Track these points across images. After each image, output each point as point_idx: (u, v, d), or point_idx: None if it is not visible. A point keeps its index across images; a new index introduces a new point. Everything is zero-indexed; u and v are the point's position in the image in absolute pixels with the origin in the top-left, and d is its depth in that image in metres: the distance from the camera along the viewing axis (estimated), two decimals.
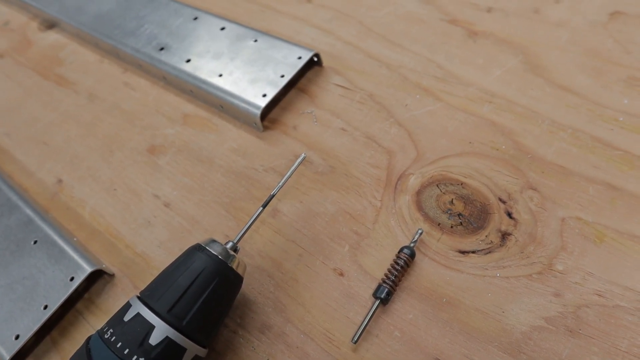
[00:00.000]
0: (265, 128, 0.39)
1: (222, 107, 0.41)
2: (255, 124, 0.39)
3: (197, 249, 0.27)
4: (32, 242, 0.35)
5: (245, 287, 0.31)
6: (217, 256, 0.27)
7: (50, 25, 0.55)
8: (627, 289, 0.27)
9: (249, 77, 0.40)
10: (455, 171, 0.33)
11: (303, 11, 0.47)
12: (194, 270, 0.26)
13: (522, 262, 0.29)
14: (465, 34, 0.41)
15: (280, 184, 0.31)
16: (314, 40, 0.44)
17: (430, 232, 0.31)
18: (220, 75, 0.41)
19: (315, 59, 0.41)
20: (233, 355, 0.29)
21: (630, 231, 0.29)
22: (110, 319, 0.26)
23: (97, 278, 0.34)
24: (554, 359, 0.26)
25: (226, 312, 0.28)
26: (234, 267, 0.27)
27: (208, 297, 0.26)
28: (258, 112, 0.37)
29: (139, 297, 0.26)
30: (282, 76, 0.39)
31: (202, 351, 0.26)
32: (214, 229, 0.35)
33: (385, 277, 0.29)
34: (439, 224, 0.31)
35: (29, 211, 0.37)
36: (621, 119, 0.33)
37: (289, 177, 0.31)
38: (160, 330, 0.24)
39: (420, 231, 0.30)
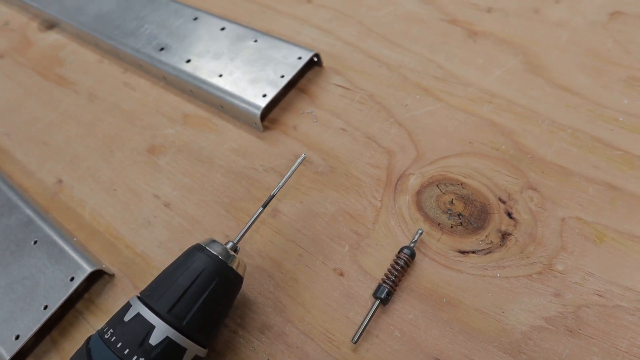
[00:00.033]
0: (265, 128, 0.39)
1: (222, 107, 0.41)
2: (255, 124, 0.39)
3: (197, 249, 0.27)
4: (32, 242, 0.35)
5: (246, 287, 0.31)
6: (217, 256, 0.27)
7: (50, 25, 0.55)
8: (627, 289, 0.27)
9: (249, 77, 0.40)
10: (455, 171, 0.33)
11: (303, 11, 0.47)
12: (194, 270, 0.26)
13: (522, 262, 0.29)
14: (465, 34, 0.41)
15: (280, 184, 0.31)
16: (314, 40, 0.44)
17: (430, 232, 0.31)
18: (220, 76, 0.41)
19: (315, 59, 0.41)
20: (233, 355, 0.29)
21: (630, 231, 0.29)
22: (111, 319, 0.26)
23: (97, 278, 0.34)
24: (554, 359, 0.26)
25: (226, 312, 0.28)
26: (234, 267, 0.27)
27: (208, 297, 0.26)
28: (258, 112, 0.37)
29: (139, 297, 0.26)
30: (282, 76, 0.39)
31: (202, 351, 0.26)
32: (214, 229, 0.35)
33: (385, 277, 0.29)
34: (439, 224, 0.31)
35: (29, 211, 0.37)
36: (621, 119, 0.33)
37: (289, 177, 0.31)
38: (160, 331, 0.24)
39: (420, 231, 0.30)
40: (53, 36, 0.54)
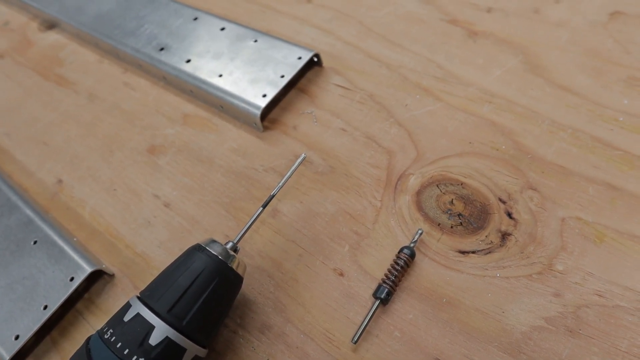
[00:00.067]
0: (265, 128, 0.39)
1: (222, 107, 0.41)
2: (255, 124, 0.39)
3: (197, 249, 0.27)
4: (32, 242, 0.35)
5: (245, 287, 0.31)
6: (217, 256, 0.27)
7: (50, 25, 0.55)
8: (627, 289, 0.27)
9: (249, 77, 0.40)
10: (455, 171, 0.33)
11: (303, 11, 0.47)
12: (194, 270, 0.26)
13: (522, 262, 0.29)
14: (465, 34, 0.41)
15: (280, 184, 0.31)
16: (314, 40, 0.44)
17: (430, 232, 0.31)
18: (220, 76, 0.41)
19: (315, 59, 0.41)
20: (233, 356, 0.29)
21: (630, 231, 0.29)
22: (110, 319, 0.26)
23: (97, 278, 0.34)
24: (553, 359, 0.26)
25: (226, 312, 0.28)
26: (234, 267, 0.27)
27: (208, 297, 0.26)
28: (258, 112, 0.37)
29: (138, 297, 0.26)
30: (282, 76, 0.39)
31: (202, 351, 0.26)
32: (214, 229, 0.35)
33: (385, 277, 0.29)
34: (439, 224, 0.31)
35: (29, 211, 0.37)
36: (621, 119, 0.33)
37: (289, 177, 0.31)
38: (160, 331, 0.24)
39: (420, 231, 0.30)
40: (53, 36, 0.54)
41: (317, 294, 0.30)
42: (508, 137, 0.34)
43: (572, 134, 0.33)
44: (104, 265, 0.34)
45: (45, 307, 0.32)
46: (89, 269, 0.32)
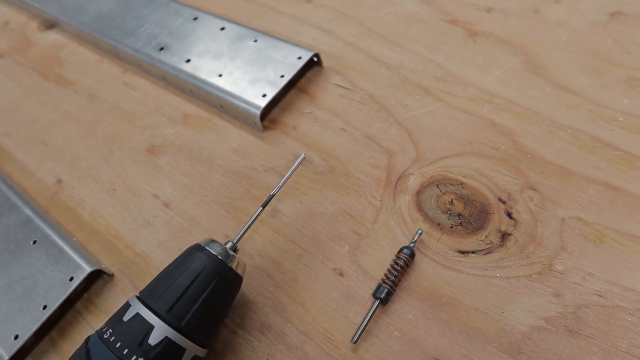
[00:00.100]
0: (265, 128, 0.39)
1: (222, 107, 0.41)
2: (255, 124, 0.39)
3: (197, 248, 0.27)
4: (32, 242, 0.35)
5: (245, 287, 0.31)
6: (216, 256, 0.27)
7: (50, 25, 0.55)
8: (627, 289, 0.27)
9: (248, 77, 0.40)
10: (455, 171, 0.33)
11: (303, 11, 0.47)
12: (194, 270, 0.26)
13: (522, 262, 0.29)
14: (465, 34, 0.41)
15: (280, 184, 0.31)
16: (314, 40, 0.44)
17: (430, 232, 0.31)
18: (220, 75, 0.41)
19: (315, 59, 0.41)
20: (232, 356, 0.29)
21: (630, 231, 0.29)
22: (110, 319, 0.26)
23: (97, 278, 0.34)
24: (553, 359, 0.26)
25: (225, 312, 0.28)
26: (234, 267, 0.27)
27: (207, 297, 0.26)
28: (258, 112, 0.37)
29: (138, 297, 0.26)
30: (282, 76, 0.39)
31: (201, 351, 0.26)
32: (214, 229, 0.35)
33: (385, 277, 0.29)
34: (438, 224, 0.31)
35: (28, 211, 0.37)
36: (621, 119, 0.33)
37: (289, 177, 0.31)
38: (160, 330, 0.24)
39: (420, 231, 0.30)
40: (53, 36, 0.54)
41: (317, 294, 0.30)
42: (508, 137, 0.34)
43: (572, 134, 0.33)
44: (103, 265, 0.34)
45: (45, 307, 0.32)
46: (88, 269, 0.32)
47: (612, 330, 0.26)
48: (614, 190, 0.30)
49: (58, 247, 0.34)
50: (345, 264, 0.31)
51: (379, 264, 0.30)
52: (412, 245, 0.30)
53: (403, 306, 0.29)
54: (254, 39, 0.42)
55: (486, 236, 0.30)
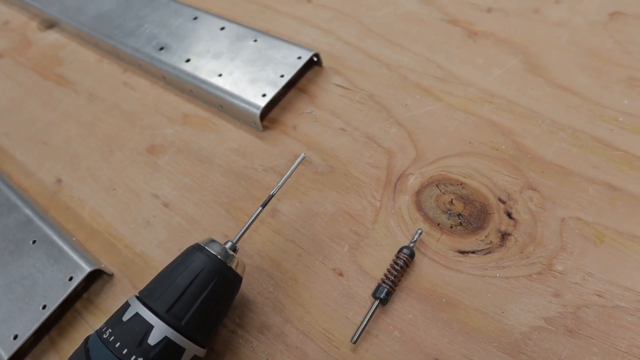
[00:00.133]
0: (265, 128, 0.39)
1: (221, 107, 0.41)
2: (255, 123, 0.39)
3: (196, 248, 0.27)
4: (31, 242, 0.35)
5: (245, 287, 0.31)
6: (216, 256, 0.27)
7: (50, 25, 0.55)
8: (627, 289, 0.27)
9: (248, 77, 0.40)
10: (455, 171, 0.33)
11: (303, 11, 0.47)
12: (193, 270, 0.26)
13: (522, 262, 0.29)
14: (465, 34, 0.41)
15: (280, 183, 0.31)
16: (314, 40, 0.44)
17: (429, 232, 0.31)
18: (220, 75, 0.41)
19: (315, 59, 0.41)
20: (232, 355, 0.29)
21: (630, 231, 0.29)
22: (109, 318, 0.26)
23: (96, 278, 0.34)
24: (553, 359, 0.26)
25: (225, 312, 0.28)
26: (233, 267, 0.27)
27: (207, 297, 0.25)
28: (258, 112, 0.37)
29: (137, 297, 0.26)
30: (282, 76, 0.39)
31: (200, 351, 0.26)
32: (213, 228, 0.35)
33: (384, 277, 0.29)
34: (438, 224, 0.31)
35: (28, 211, 0.37)
36: (621, 119, 0.33)
37: (289, 177, 0.31)
38: (159, 330, 0.24)
39: (419, 231, 0.30)
40: (53, 36, 0.54)
41: (317, 293, 0.30)
42: (508, 137, 0.34)
43: (572, 134, 0.33)
44: (103, 265, 0.34)
45: (44, 307, 0.32)
46: (88, 269, 0.32)
47: (612, 330, 0.26)
48: (614, 191, 0.30)
49: (58, 247, 0.34)
50: (345, 264, 0.31)
51: (379, 264, 0.30)
52: (411, 245, 0.30)
53: (403, 306, 0.29)
54: (253, 39, 0.42)
55: (486, 236, 0.30)
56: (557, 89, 0.36)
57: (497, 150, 0.34)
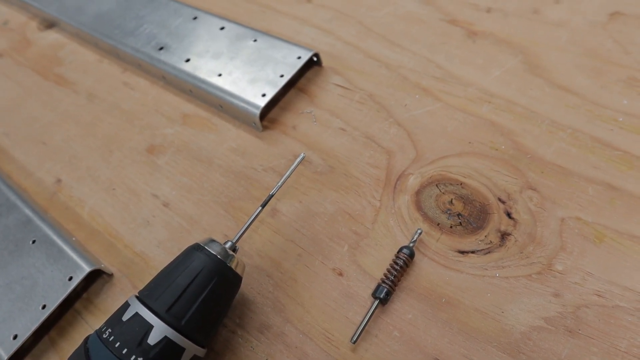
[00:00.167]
0: (265, 128, 0.39)
1: (221, 106, 0.41)
2: (255, 123, 0.39)
3: (196, 248, 0.27)
4: (31, 242, 0.35)
5: (244, 287, 0.31)
6: (215, 256, 0.27)
7: (49, 24, 0.55)
8: (626, 289, 0.27)
9: (248, 76, 0.40)
10: (454, 171, 0.33)
11: (303, 11, 0.47)
12: (193, 269, 0.26)
13: (522, 262, 0.29)
14: (465, 34, 0.41)
15: (280, 183, 0.31)
16: (313, 40, 0.44)
17: (429, 232, 0.31)
18: (220, 75, 0.41)
19: (315, 59, 0.41)
20: (232, 355, 0.29)
21: (629, 231, 0.29)
22: (109, 318, 0.26)
23: (96, 278, 0.34)
24: (553, 359, 0.26)
25: (225, 311, 0.28)
26: (233, 266, 0.27)
27: (207, 296, 0.25)
28: (257, 112, 0.37)
29: (137, 297, 0.26)
30: (282, 76, 0.39)
31: (200, 351, 0.26)
32: (213, 228, 0.35)
33: (384, 277, 0.29)
34: (438, 224, 0.31)
35: (27, 211, 0.37)
36: (621, 119, 0.33)
37: (288, 176, 0.31)
38: (159, 330, 0.24)
39: (419, 231, 0.30)
40: (52, 35, 0.54)
41: (316, 293, 0.30)
42: (507, 137, 0.34)
43: (571, 134, 0.33)
44: (102, 265, 0.34)
45: (44, 307, 0.32)
46: (87, 269, 0.32)
47: (612, 330, 0.26)
48: (614, 190, 0.30)
49: (57, 246, 0.34)
50: (344, 264, 0.31)
51: (379, 264, 0.30)
52: (411, 245, 0.30)
53: (402, 306, 0.29)
54: (253, 39, 0.42)
55: (486, 236, 0.30)
56: (556, 89, 0.36)
57: (497, 150, 0.34)
